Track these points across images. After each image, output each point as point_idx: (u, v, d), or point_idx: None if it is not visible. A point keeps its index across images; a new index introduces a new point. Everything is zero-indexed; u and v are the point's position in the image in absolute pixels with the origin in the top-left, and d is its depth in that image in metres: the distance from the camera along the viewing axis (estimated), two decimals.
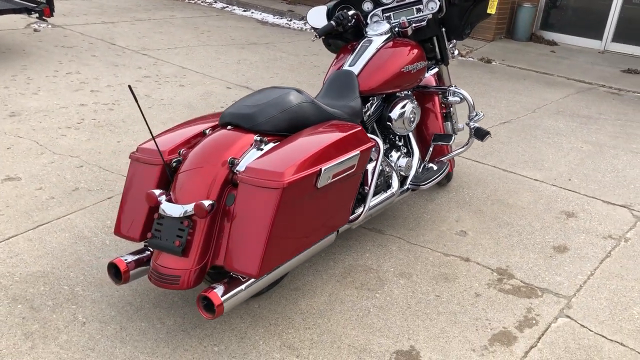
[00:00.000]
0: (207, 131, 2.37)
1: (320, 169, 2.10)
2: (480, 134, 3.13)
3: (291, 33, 7.81)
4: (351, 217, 2.49)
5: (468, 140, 3.27)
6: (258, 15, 8.79)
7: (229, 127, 2.29)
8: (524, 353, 2.25)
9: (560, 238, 3.12)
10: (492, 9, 2.89)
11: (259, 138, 2.21)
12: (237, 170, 2.12)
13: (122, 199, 2.30)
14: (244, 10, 8.98)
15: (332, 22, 3.00)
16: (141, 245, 2.59)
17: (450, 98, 3.19)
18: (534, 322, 2.43)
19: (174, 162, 2.25)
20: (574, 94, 6.02)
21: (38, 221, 2.91)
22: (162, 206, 2.10)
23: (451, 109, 3.37)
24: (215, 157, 2.15)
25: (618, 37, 7.85)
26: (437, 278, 2.69)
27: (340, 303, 2.48)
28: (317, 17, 3.17)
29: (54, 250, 2.69)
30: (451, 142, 3.12)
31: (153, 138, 2.17)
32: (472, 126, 3.18)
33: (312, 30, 3.23)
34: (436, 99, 3.31)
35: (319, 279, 2.62)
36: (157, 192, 2.13)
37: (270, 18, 8.58)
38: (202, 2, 9.51)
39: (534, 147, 4.41)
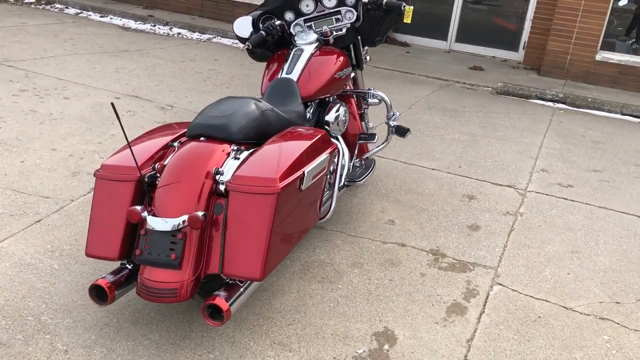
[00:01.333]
0: (175, 144, 2.39)
1: (304, 172, 2.25)
2: (401, 131, 3.46)
3: (159, 39, 7.66)
4: (321, 215, 2.66)
5: (387, 138, 3.58)
6: (118, 20, 8.46)
7: (202, 138, 2.34)
8: (477, 319, 2.60)
9: (470, 218, 3.55)
10: (408, 19, 3.21)
11: (236, 147, 2.30)
12: (221, 180, 2.19)
13: (91, 219, 2.25)
14: (102, 16, 8.59)
15: (262, 32, 3.12)
16: (112, 263, 2.53)
17: (370, 100, 3.47)
18: (476, 292, 2.80)
19: (147, 176, 2.25)
20: (437, 90, 6.67)
21: None
22: (148, 221, 2.11)
23: (365, 109, 3.66)
24: (197, 168, 2.20)
25: (460, 38, 8.78)
26: (385, 264, 2.96)
27: (310, 297, 2.64)
28: (243, 27, 3.27)
29: None
30: (375, 140, 3.41)
31: (133, 154, 2.16)
32: (392, 125, 3.49)
33: (238, 41, 3.32)
34: (352, 101, 3.57)
35: (282, 278, 2.76)
36: (138, 208, 2.13)
37: (132, 24, 8.31)
38: (51, 7, 8.91)
39: (422, 141, 4.87)
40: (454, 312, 2.63)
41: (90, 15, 8.68)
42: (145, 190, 2.26)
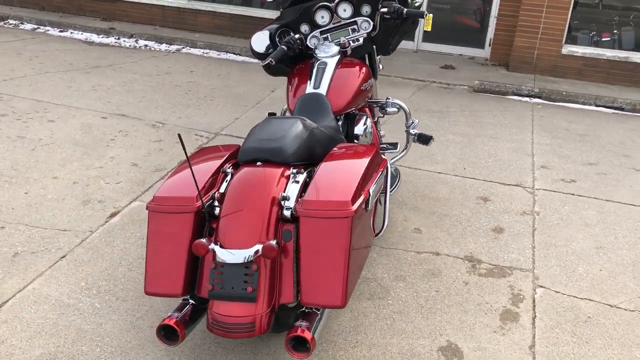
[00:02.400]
0: (228, 170, 2.30)
1: (369, 192, 2.20)
2: (424, 139, 3.45)
3: (127, 52, 7.42)
4: (376, 232, 2.62)
5: (406, 146, 3.57)
6: (79, 35, 8.15)
7: (258, 163, 2.25)
8: (532, 325, 2.62)
9: (491, 221, 3.58)
10: (428, 27, 3.21)
11: (295, 171, 2.24)
12: (287, 206, 2.12)
13: (148, 255, 2.14)
14: (61, 31, 8.25)
15: (283, 47, 3.05)
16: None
17: (388, 109, 3.45)
18: (522, 296, 2.82)
19: (206, 206, 2.16)
20: (416, 91, 6.72)
21: None
22: (218, 254, 2.02)
23: (379, 118, 3.64)
24: (263, 195, 2.12)
25: (427, 37, 8.88)
26: (426, 275, 2.94)
27: (364, 316, 2.60)
28: (260, 42, 3.19)
29: (43, 327, 2.37)
30: (397, 149, 3.39)
31: (196, 185, 2.06)
32: (413, 132, 3.48)
33: (255, 56, 3.24)
34: (367, 110, 3.54)
35: None
36: (204, 240, 2.04)
37: (95, 37, 8.02)
38: (4, 24, 8.49)
39: (419, 144, 4.88)
40: (508, 319, 2.64)
41: (48, 30, 8.32)
42: (205, 221, 2.17)
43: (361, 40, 3.24)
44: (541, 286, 2.92)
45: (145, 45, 7.83)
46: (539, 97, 6.72)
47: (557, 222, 3.61)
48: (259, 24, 8.44)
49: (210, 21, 8.70)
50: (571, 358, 2.42)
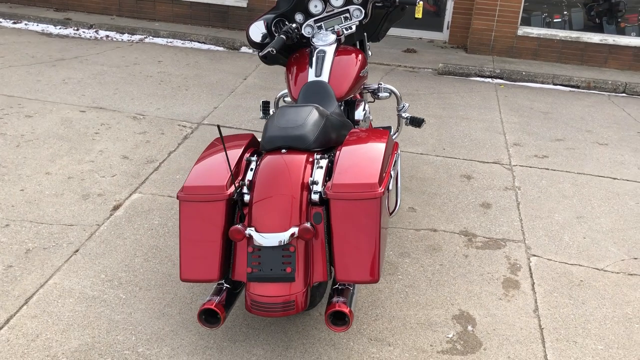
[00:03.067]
0: (253, 158, 2.39)
1: (391, 173, 2.33)
2: (416, 122, 3.60)
3: (89, 43, 7.27)
4: (390, 211, 2.76)
5: (398, 129, 3.72)
6: (35, 26, 7.91)
7: (283, 150, 2.35)
8: (532, 290, 2.83)
9: (478, 197, 3.79)
10: (419, 14, 3.34)
11: (318, 156, 2.35)
12: (315, 190, 2.23)
13: (182, 244, 2.22)
14: (14, 22, 7.99)
15: (282, 36, 3.14)
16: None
17: (381, 94, 3.58)
18: (518, 265, 3.03)
19: (236, 193, 2.25)
20: (384, 75, 6.89)
21: (20, 296, 2.53)
22: (256, 238, 2.12)
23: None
24: (293, 180, 2.23)
25: None
26: (428, 250, 3.12)
27: (379, 291, 2.75)
28: (257, 32, 3.26)
29: (74, 320, 2.41)
30: (391, 132, 3.54)
31: (231, 172, 2.15)
32: (405, 116, 3.62)
33: (252, 46, 3.32)
34: (357, 96, 3.67)
35: None
36: (239, 226, 2.13)
37: (52, 29, 7.81)
38: None
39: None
40: (510, 287, 2.84)
41: (1, 22, 8.04)
42: (236, 208, 2.26)
43: (354, 28, 3.35)
44: (534, 255, 3.14)
45: (107, 36, 7.69)
46: (501, 78, 6.99)
47: (538, 196, 3.85)
48: (221, 11, 8.41)
49: (170, 9, 8.60)
50: (571, 319, 2.64)
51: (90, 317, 2.42)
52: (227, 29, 8.45)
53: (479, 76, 7.03)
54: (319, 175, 2.30)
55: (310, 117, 2.46)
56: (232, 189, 2.24)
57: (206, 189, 2.23)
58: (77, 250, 2.88)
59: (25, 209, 3.21)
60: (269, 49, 3.11)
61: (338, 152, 2.38)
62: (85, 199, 3.37)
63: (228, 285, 2.26)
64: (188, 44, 7.59)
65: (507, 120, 5.40)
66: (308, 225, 2.11)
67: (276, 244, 2.11)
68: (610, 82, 6.79)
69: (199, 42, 7.66)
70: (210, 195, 2.21)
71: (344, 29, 3.33)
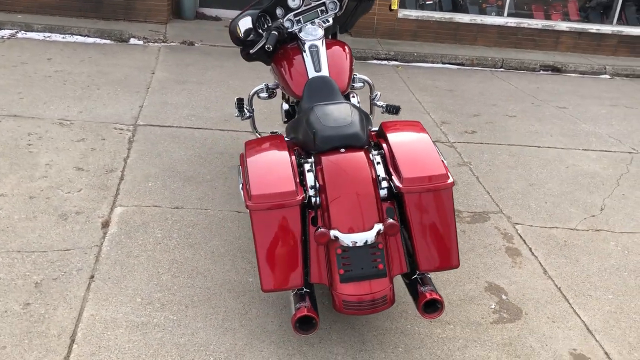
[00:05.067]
0: (308, 159, 2.37)
1: (443, 161, 2.46)
2: (394, 109, 3.72)
3: None
4: None
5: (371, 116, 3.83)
6: None
7: (342, 150, 2.36)
8: (532, 255, 3.15)
9: None
10: (395, 5, 3.46)
11: (375, 152, 2.40)
12: (383, 186, 2.29)
13: (260, 255, 2.18)
14: None
15: (274, 32, 3.09)
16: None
17: (356, 84, 3.66)
18: (510, 234, 3.34)
19: (307, 197, 2.24)
20: None
21: (61, 335, 2.28)
22: (343, 239, 2.14)
23: None
24: (363, 179, 2.27)
25: None
26: None
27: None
28: (242, 28, 3.17)
29: (138, 351, 2.23)
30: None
31: (295, 179, 2.16)
32: (381, 104, 3.73)
33: (236, 43, 3.20)
34: None
35: None
36: (323, 229, 2.15)
37: None
38: None
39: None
40: (514, 255, 3.13)
41: None
42: (308, 211, 2.24)
43: (331, 20, 3.39)
44: (517, 223, 3.47)
45: None
46: (395, 60, 7.39)
47: (489, 169, 4.22)
48: (94, 0, 7.79)
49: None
50: (576, 275, 2.99)
51: (154, 345, 2.26)
52: (103, 19, 7.87)
53: (375, 59, 7.35)
54: (380, 170, 2.35)
55: (354, 114, 2.49)
56: (302, 193, 2.22)
57: (278, 195, 2.18)
58: (92, 276, 2.63)
59: (2, 239, 2.84)
60: (267, 46, 3.06)
61: (388, 146, 2.44)
62: (64, 219, 3.06)
63: (307, 290, 2.24)
64: (70, 39, 6.98)
65: (424, 100, 5.76)
66: (393, 221, 2.17)
67: (368, 242, 2.14)
68: (490, 58, 7.49)
69: (82, 35, 7.07)
70: (283, 201, 2.17)
71: (322, 22, 3.35)
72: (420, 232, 2.25)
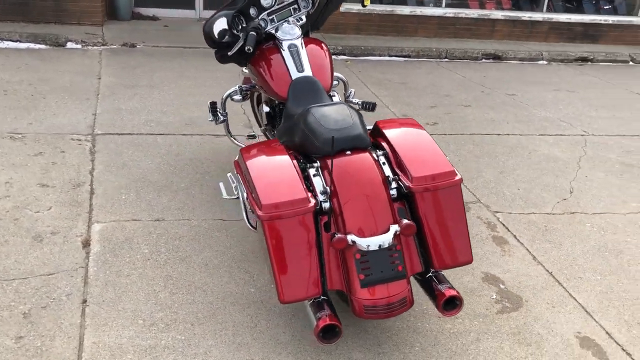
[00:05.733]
0: (315, 164, 2.32)
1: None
2: (370, 106, 3.70)
3: None
4: None
5: None
6: None
7: (347, 152, 2.32)
8: (518, 242, 3.22)
9: None
10: (367, 2, 3.44)
11: (380, 153, 2.38)
12: (393, 186, 2.27)
13: (276, 265, 2.11)
14: None
15: (252, 32, 3.01)
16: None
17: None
18: (493, 223, 3.41)
19: (323, 203, 2.20)
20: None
21: None
22: (361, 243, 2.11)
23: None
24: (375, 180, 2.24)
25: (208, 6, 8.82)
26: None
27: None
28: (217, 30, 3.06)
29: None
30: None
31: (304, 185, 2.12)
32: (356, 101, 3.70)
33: (214, 44, 3.08)
34: None
35: None
36: (340, 235, 2.11)
37: None
38: None
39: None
40: (501, 243, 3.20)
41: None
42: (320, 217, 2.19)
43: (304, 18, 3.34)
44: (497, 212, 3.54)
45: None
46: (344, 54, 7.39)
47: (458, 159, 4.29)
48: (19, 2, 7.34)
49: None
50: (563, 259, 3.09)
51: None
52: (31, 23, 7.44)
53: None
54: (387, 171, 2.33)
55: (354, 115, 2.46)
56: (313, 198, 2.16)
57: (290, 204, 2.12)
58: (85, 301, 2.47)
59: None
60: (247, 47, 2.97)
61: (390, 146, 2.42)
62: (39, 241, 2.86)
63: (325, 297, 2.19)
64: (0, 44, 6.55)
65: (380, 94, 5.80)
66: (408, 221, 2.15)
67: (387, 244, 2.11)
68: (434, 49, 7.63)
69: (12, 40, 6.67)
70: (296, 209, 2.11)
71: (296, 20, 3.29)
72: (433, 231, 2.24)
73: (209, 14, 8.50)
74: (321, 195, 2.22)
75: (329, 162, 2.29)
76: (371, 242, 2.10)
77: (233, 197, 3.39)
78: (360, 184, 2.21)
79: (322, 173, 2.30)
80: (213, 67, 6.26)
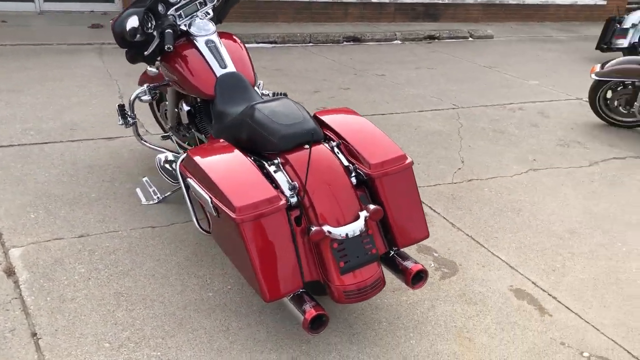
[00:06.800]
0: (275, 161, 2.35)
1: None
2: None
3: None
4: None
5: None
6: None
7: (306, 146, 2.37)
8: (434, 211, 3.50)
9: None
10: None
11: (334, 144, 2.47)
12: (354, 175, 2.38)
13: (258, 265, 2.13)
14: None
15: (169, 30, 2.92)
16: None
17: None
18: None
19: (291, 198, 2.25)
20: (102, 56, 6.40)
21: None
22: (336, 233, 2.20)
23: None
24: (336, 172, 2.33)
25: None
26: None
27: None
28: (131, 27, 2.90)
29: None
30: None
31: (277, 186, 2.15)
32: (267, 92, 3.68)
33: (124, 43, 2.86)
34: None
35: None
36: (316, 228, 2.19)
37: None
38: None
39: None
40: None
41: None
42: (293, 211, 2.24)
43: (211, 12, 3.29)
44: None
45: None
46: None
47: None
48: None
49: None
50: (476, 223, 3.41)
51: None
52: None
53: None
54: (344, 160, 2.42)
55: (301, 110, 2.51)
56: (282, 195, 2.20)
57: (262, 203, 2.13)
58: (35, 334, 2.27)
59: None
60: (167, 46, 2.88)
61: (338, 136, 2.51)
62: (9, 275, 2.56)
63: (304, 290, 2.24)
64: None
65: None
66: (375, 206, 2.27)
67: (359, 231, 2.21)
68: (299, 34, 7.79)
69: None
70: (270, 208, 2.14)
71: (204, 15, 3.24)
72: (394, 212, 2.38)
73: (50, 6, 7.89)
74: (289, 191, 2.25)
75: (289, 157, 2.32)
76: (347, 231, 2.19)
77: (153, 202, 3.28)
78: (325, 175, 2.28)
79: (284, 169, 2.32)
80: (74, 64, 5.85)
